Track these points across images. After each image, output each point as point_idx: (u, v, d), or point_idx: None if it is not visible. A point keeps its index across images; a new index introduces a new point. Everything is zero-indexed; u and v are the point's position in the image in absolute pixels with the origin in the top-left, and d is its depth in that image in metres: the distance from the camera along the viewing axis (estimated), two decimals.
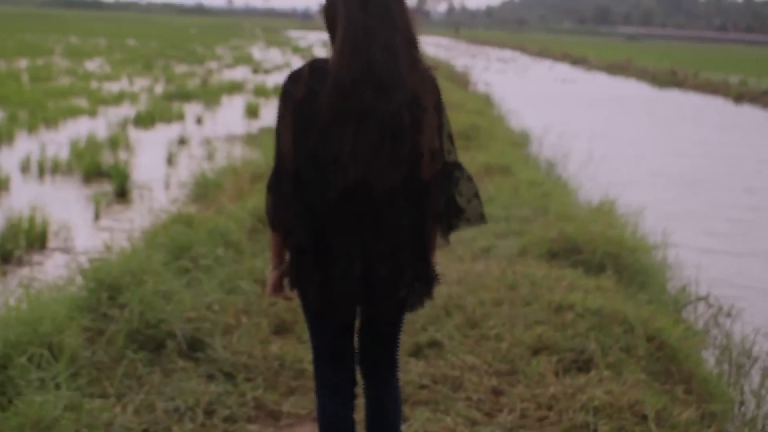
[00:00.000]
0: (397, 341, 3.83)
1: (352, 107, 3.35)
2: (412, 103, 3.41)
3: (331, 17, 3.46)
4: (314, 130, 3.38)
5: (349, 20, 3.37)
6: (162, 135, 18.22)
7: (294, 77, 3.46)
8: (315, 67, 3.44)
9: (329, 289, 3.48)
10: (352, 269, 3.45)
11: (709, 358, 6.65)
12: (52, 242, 9.66)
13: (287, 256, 3.61)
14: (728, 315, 7.68)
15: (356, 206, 3.41)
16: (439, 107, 3.54)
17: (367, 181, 3.38)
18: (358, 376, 3.83)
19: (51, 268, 8.52)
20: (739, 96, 39.76)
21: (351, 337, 3.73)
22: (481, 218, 3.71)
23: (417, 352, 5.80)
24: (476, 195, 3.67)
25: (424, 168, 3.46)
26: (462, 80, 36.06)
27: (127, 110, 21.42)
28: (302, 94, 3.40)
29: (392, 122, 3.37)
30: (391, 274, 3.48)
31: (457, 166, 3.61)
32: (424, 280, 3.62)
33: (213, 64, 41.55)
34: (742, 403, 5.99)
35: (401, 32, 3.43)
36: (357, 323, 3.70)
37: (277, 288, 3.68)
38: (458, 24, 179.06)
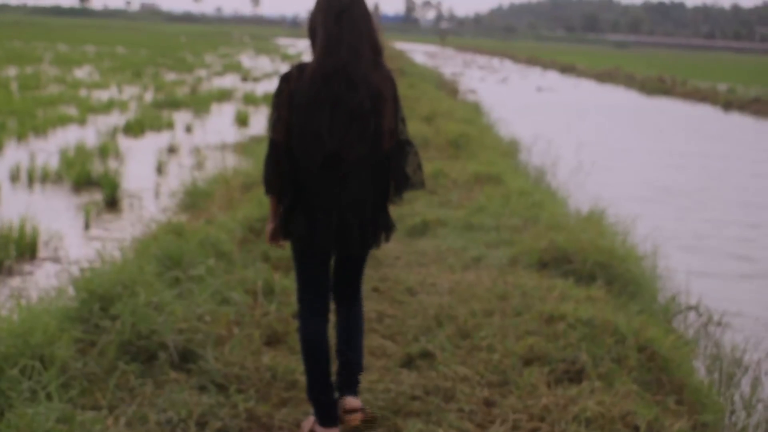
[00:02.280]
0: (362, 275, 5.02)
1: (327, 95, 4.49)
2: (375, 95, 4.55)
3: (312, 29, 4.63)
4: (300, 114, 4.53)
5: (326, 30, 4.53)
6: (152, 143, 18.22)
7: (285, 77, 4.61)
8: (301, 68, 4.60)
9: (313, 233, 4.61)
10: (330, 219, 4.58)
11: (700, 367, 6.67)
12: (42, 252, 9.65)
13: (280, 212, 4.72)
14: (718, 324, 7.69)
15: (332, 172, 4.55)
16: (395, 98, 4.68)
17: (340, 152, 4.52)
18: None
19: (41, 278, 8.51)
20: (728, 104, 39.87)
21: (327, 271, 4.84)
22: (422, 184, 4.81)
23: (409, 363, 5.81)
24: (419, 166, 4.79)
25: (385, 142, 4.64)
26: (451, 88, 36.11)
27: (116, 119, 21.41)
28: (291, 88, 4.56)
29: (358, 108, 4.52)
30: (359, 222, 4.63)
31: (408, 142, 4.75)
32: (385, 227, 4.77)
33: (202, 72, 41.53)
34: (732, 412, 6.01)
35: (367, 41, 4.56)
36: (332, 262, 4.88)
37: (274, 237, 4.79)
38: (444, 32, 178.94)
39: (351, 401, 4.94)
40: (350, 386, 4.98)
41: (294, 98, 4.53)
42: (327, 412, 4.80)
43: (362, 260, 4.94)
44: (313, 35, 4.61)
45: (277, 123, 4.59)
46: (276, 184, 4.65)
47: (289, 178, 4.60)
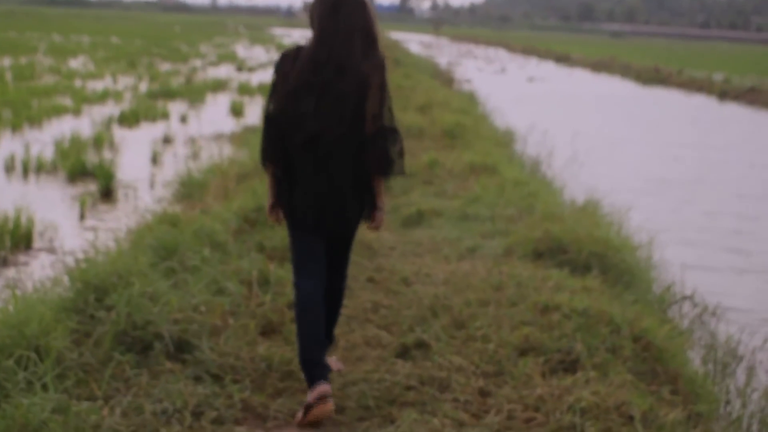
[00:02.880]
0: (348, 251, 5.33)
1: (316, 82, 4.86)
2: (361, 81, 4.85)
3: (311, 18, 4.97)
4: (290, 96, 4.89)
5: (321, 20, 4.90)
6: (146, 134, 18.20)
7: (285, 56, 4.99)
8: (299, 49, 4.99)
9: (294, 208, 5.00)
10: (307, 196, 4.94)
11: (695, 357, 6.67)
12: (37, 242, 9.65)
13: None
14: (713, 314, 7.69)
15: (314, 152, 4.90)
16: (382, 86, 4.93)
17: (321, 133, 4.87)
18: None
19: (37, 269, 8.50)
20: (723, 93, 39.91)
21: (320, 241, 5.10)
22: (402, 171, 5.09)
23: (404, 353, 5.80)
24: (401, 153, 5.06)
25: (368, 126, 4.91)
26: (446, 78, 36.08)
27: (111, 109, 21.36)
28: (288, 68, 4.93)
29: (342, 94, 4.86)
30: (335, 200, 4.96)
31: (394, 130, 5.01)
32: (366, 207, 5.08)
33: (197, 62, 41.47)
34: (727, 402, 6.02)
35: (361, 31, 4.87)
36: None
37: (272, 212, 5.16)
38: (438, 22, 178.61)
39: None
40: None
41: (288, 78, 4.92)
42: (317, 371, 4.91)
43: (345, 242, 5.27)
44: (312, 26, 4.96)
45: (273, 97, 4.99)
46: (269, 154, 5.03)
47: (280, 151, 4.99)
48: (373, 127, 4.91)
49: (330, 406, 4.86)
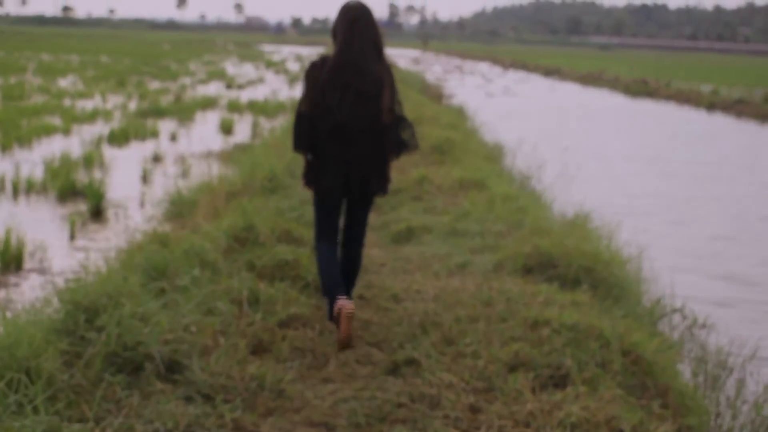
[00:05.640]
0: (366, 220, 6.71)
1: (340, 81, 6.22)
2: (376, 82, 6.26)
3: (334, 32, 6.39)
4: (320, 93, 6.24)
5: (342, 34, 6.30)
6: (136, 152, 18.19)
7: (314, 65, 6.36)
8: (324, 59, 6.35)
9: (325, 185, 6.38)
10: (338, 174, 6.32)
11: (685, 370, 6.66)
12: (27, 263, 9.62)
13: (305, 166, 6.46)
14: (703, 326, 7.70)
15: (341, 139, 6.27)
16: (392, 84, 6.33)
17: (346, 124, 6.23)
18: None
19: (27, 290, 8.50)
20: (711, 105, 40.05)
21: (338, 214, 6.57)
22: (416, 147, 6.49)
23: (394, 371, 5.82)
24: (413, 134, 6.44)
25: (384, 117, 6.29)
26: (435, 93, 36.15)
27: (101, 128, 21.36)
28: (317, 74, 6.28)
29: (363, 91, 6.25)
30: (361, 178, 6.35)
31: (404, 118, 6.40)
32: (383, 182, 6.48)
33: (186, 80, 41.48)
34: (718, 415, 6.01)
35: (372, 42, 6.31)
36: (343, 208, 6.60)
37: (305, 183, 6.51)
38: (426, 36, 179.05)
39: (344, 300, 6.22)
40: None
41: (317, 81, 6.25)
42: (337, 292, 6.30)
43: (365, 208, 6.63)
44: (334, 36, 6.38)
45: (304, 99, 6.32)
46: (299, 144, 6.35)
47: (310, 141, 6.32)
48: (389, 118, 6.29)
49: (350, 306, 6.15)
